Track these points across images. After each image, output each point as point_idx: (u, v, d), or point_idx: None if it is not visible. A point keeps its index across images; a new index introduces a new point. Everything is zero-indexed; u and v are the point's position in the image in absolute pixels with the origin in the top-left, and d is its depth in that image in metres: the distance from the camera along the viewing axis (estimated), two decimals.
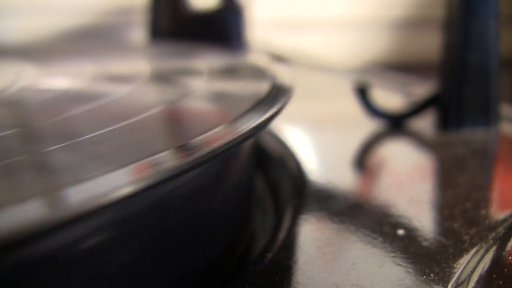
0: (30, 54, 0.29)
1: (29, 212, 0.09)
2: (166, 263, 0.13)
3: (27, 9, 0.52)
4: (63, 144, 0.12)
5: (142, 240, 0.12)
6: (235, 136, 0.13)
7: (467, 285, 0.12)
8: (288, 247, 0.14)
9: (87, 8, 0.54)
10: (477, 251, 0.14)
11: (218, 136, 0.13)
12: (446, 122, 0.25)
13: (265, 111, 0.15)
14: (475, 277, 0.12)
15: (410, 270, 0.13)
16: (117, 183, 0.10)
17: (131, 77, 0.21)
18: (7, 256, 0.09)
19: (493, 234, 0.15)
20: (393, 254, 0.14)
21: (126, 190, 0.10)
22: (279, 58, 0.42)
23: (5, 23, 0.51)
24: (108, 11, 0.54)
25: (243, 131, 0.13)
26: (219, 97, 0.19)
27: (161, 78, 0.23)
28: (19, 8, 0.52)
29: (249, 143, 0.18)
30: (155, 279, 0.13)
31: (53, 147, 0.12)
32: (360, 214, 0.16)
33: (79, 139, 0.13)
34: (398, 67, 0.53)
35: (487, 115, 0.24)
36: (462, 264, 0.13)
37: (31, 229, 0.08)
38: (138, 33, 0.49)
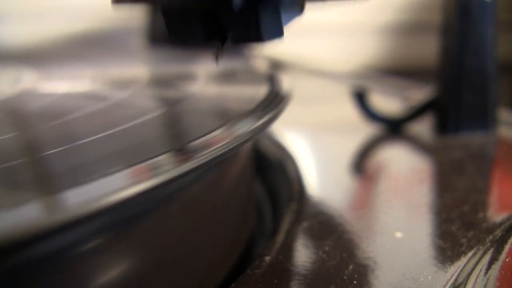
0: (30, 59, 0.30)
1: (27, 215, 0.09)
2: (163, 268, 0.13)
3: (27, 15, 0.52)
4: (61, 148, 0.12)
5: (138, 244, 0.12)
6: (233, 139, 0.13)
7: (464, 287, 0.12)
8: (287, 251, 0.14)
9: (86, 14, 0.54)
10: (475, 254, 0.14)
11: (216, 139, 0.13)
12: (444, 126, 0.25)
13: (263, 115, 0.15)
14: (472, 280, 0.12)
15: (408, 272, 0.13)
16: (116, 186, 0.10)
17: (130, 82, 0.21)
18: (5, 258, 0.09)
19: (491, 237, 0.15)
20: (391, 257, 0.14)
21: (125, 194, 0.10)
22: (277, 63, 0.42)
23: (5, 28, 0.51)
24: (107, 17, 0.54)
25: (241, 135, 0.13)
26: (217, 102, 0.19)
27: (160, 82, 0.23)
28: (18, 13, 0.52)
29: (247, 147, 0.18)
30: (151, 285, 0.13)
31: (52, 151, 0.12)
32: (358, 217, 0.16)
33: (78, 143, 0.13)
34: (396, 72, 0.53)
35: (485, 119, 0.24)
36: (459, 267, 0.13)
37: (29, 232, 0.09)
38: (137, 39, 0.49)
